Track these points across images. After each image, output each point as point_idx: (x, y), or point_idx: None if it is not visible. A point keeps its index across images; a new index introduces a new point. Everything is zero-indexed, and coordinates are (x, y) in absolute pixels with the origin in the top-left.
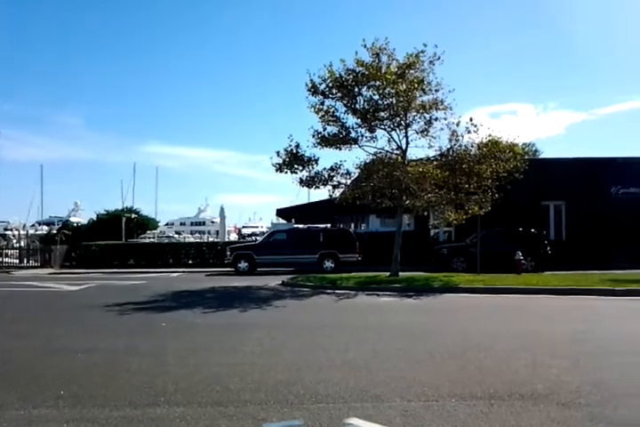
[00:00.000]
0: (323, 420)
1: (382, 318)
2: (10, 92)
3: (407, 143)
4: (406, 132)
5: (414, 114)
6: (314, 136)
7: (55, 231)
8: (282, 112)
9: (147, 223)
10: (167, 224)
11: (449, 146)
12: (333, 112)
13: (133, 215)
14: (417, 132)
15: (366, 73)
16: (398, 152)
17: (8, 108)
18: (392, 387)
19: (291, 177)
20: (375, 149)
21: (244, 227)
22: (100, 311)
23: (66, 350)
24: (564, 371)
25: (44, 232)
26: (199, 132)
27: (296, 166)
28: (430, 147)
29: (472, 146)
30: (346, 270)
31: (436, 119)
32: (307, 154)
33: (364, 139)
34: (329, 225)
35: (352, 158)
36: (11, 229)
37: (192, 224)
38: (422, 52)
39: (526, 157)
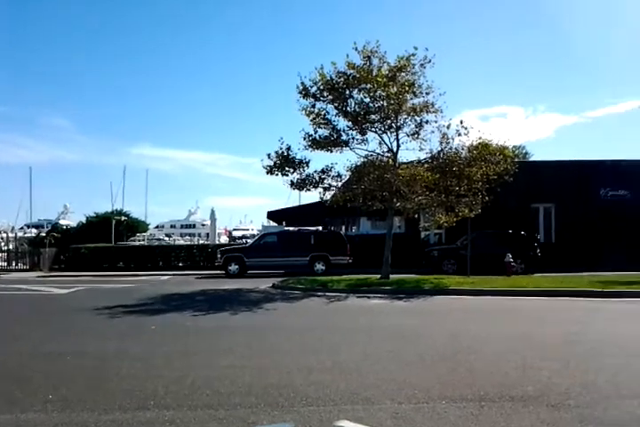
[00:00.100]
0: (313, 423)
1: (373, 321)
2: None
3: (398, 146)
4: (397, 135)
5: (405, 117)
6: (305, 139)
7: (44, 234)
8: (273, 114)
9: (137, 226)
10: (157, 227)
11: (439, 148)
12: (324, 115)
13: (123, 218)
14: (408, 135)
15: (357, 76)
16: (389, 155)
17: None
18: (382, 389)
19: (282, 179)
20: (366, 152)
21: (234, 229)
22: (89, 315)
23: (55, 353)
24: (553, 373)
25: (33, 235)
26: (190, 134)
27: (287, 169)
28: (421, 149)
29: (462, 149)
30: (337, 273)
31: (427, 122)
32: (298, 156)
33: (355, 141)
34: (320, 227)
35: (343, 161)
36: None
37: (182, 227)
38: (413, 55)
39: (516, 160)
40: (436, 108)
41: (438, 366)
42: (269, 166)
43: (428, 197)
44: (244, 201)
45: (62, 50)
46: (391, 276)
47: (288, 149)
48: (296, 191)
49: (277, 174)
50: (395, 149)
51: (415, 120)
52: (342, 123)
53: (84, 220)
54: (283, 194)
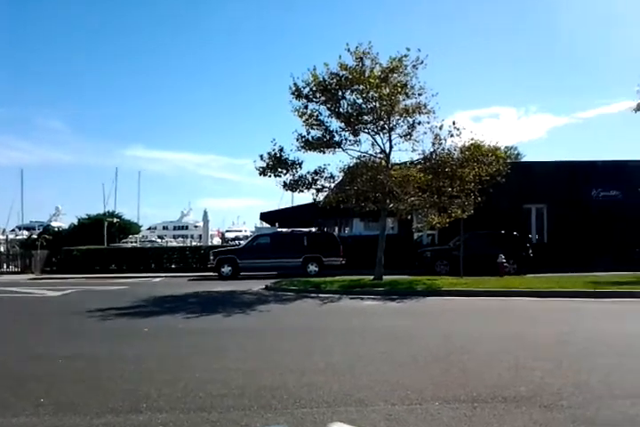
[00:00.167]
0: (306, 425)
1: (366, 322)
2: None
3: (391, 147)
4: (390, 136)
5: (398, 118)
6: (297, 140)
7: (36, 236)
8: (266, 116)
9: (129, 228)
10: (150, 228)
11: (432, 149)
12: (317, 116)
13: (115, 220)
14: (400, 136)
15: (350, 77)
16: (382, 156)
17: None
18: (376, 391)
19: (274, 181)
20: (359, 153)
21: (227, 231)
22: (81, 317)
23: (47, 356)
24: (546, 373)
25: (25, 237)
26: (182, 135)
27: (280, 170)
28: (414, 150)
29: (455, 149)
30: (330, 274)
31: (420, 123)
32: (290, 157)
33: (348, 142)
34: (314, 229)
35: (336, 162)
36: None
37: (175, 228)
38: (405, 56)
39: (508, 161)
40: (428, 109)
41: (431, 367)
42: (262, 168)
43: (420, 198)
44: (237, 202)
45: (58, 51)
46: (384, 277)
47: (281, 150)
48: (289, 192)
49: (270, 176)
50: (387, 150)
51: (408, 121)
52: (335, 124)
53: (75, 222)
54: (275, 195)
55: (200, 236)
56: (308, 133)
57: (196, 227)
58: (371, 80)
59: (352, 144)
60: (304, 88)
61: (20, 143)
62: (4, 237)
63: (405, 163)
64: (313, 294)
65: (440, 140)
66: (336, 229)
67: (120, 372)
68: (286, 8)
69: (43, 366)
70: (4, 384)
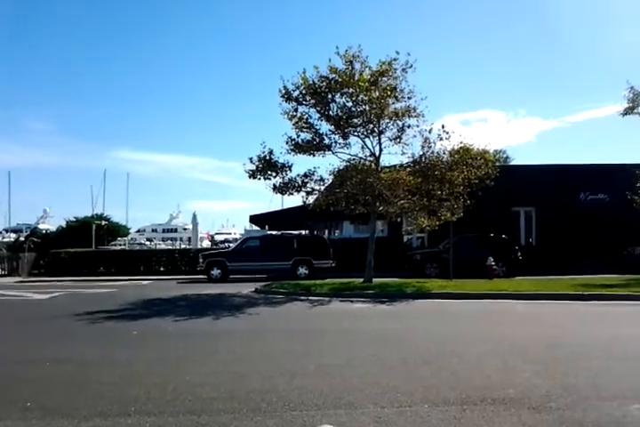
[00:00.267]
0: None
1: (356, 325)
2: None
3: (380, 150)
4: (379, 139)
5: (387, 121)
6: (287, 143)
7: (23, 239)
8: (256, 118)
9: (117, 230)
10: (138, 231)
11: (421, 153)
12: (307, 119)
13: (104, 222)
14: (390, 139)
15: (339, 80)
16: (371, 159)
17: None
18: (365, 393)
19: (264, 183)
20: (349, 156)
21: (216, 234)
22: (69, 320)
23: (34, 359)
24: (535, 375)
25: (12, 240)
26: (171, 138)
27: (269, 173)
28: (403, 154)
29: (444, 153)
30: (320, 277)
31: (409, 126)
32: (280, 160)
33: (338, 145)
34: (304, 231)
35: (326, 165)
36: None
37: (164, 231)
38: (395, 59)
39: (497, 164)
40: (417, 112)
41: (421, 369)
42: (252, 170)
43: (410, 201)
44: (227, 205)
45: (47, 53)
46: (374, 279)
47: (270, 152)
48: (279, 195)
49: (260, 178)
50: (377, 153)
51: (397, 124)
52: (325, 127)
53: (63, 224)
54: (265, 198)
55: (189, 238)
56: (298, 136)
57: (185, 229)
58: (360, 83)
59: (342, 147)
60: (294, 91)
61: (6, 145)
62: None
63: (395, 166)
64: (303, 297)
65: (429, 143)
66: (326, 231)
67: (109, 375)
68: (276, 11)
69: (30, 370)
70: None
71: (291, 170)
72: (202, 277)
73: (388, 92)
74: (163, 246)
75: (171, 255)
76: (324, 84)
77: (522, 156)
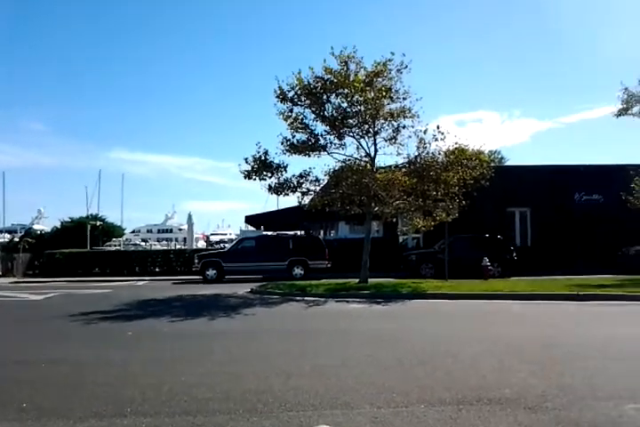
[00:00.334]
0: None
1: (351, 325)
2: None
3: (376, 150)
4: (375, 140)
5: (382, 122)
6: (282, 143)
7: (18, 239)
8: (251, 119)
9: (112, 231)
10: (133, 232)
11: (417, 153)
12: (302, 119)
13: (99, 223)
14: (385, 140)
15: (335, 81)
16: (367, 159)
17: None
18: (361, 394)
19: (259, 184)
20: (344, 157)
21: (212, 234)
22: (64, 321)
23: (29, 360)
24: (530, 375)
25: (7, 240)
26: (166, 138)
27: (265, 173)
28: (398, 154)
29: (439, 153)
30: (315, 277)
31: (404, 127)
32: (275, 161)
33: (333, 146)
34: (301, 232)
35: (321, 165)
36: None
37: (159, 231)
38: (390, 60)
39: (492, 165)
40: (412, 113)
41: (417, 369)
42: (247, 171)
43: (405, 202)
44: (222, 205)
45: (42, 53)
46: (370, 280)
47: (266, 153)
48: (274, 196)
49: (255, 179)
50: (372, 154)
51: (392, 125)
52: (320, 127)
53: (58, 225)
54: (260, 198)
55: (184, 239)
56: (293, 137)
57: (180, 230)
58: (355, 84)
59: (337, 148)
60: (289, 91)
61: (1, 145)
62: None
63: (390, 166)
64: (298, 298)
65: (424, 144)
66: (321, 232)
67: (104, 376)
68: (275, 11)
69: (25, 371)
70: None
71: (286, 170)
72: (197, 277)
73: (383, 93)
74: (158, 247)
75: (166, 256)
76: (320, 84)
77: (516, 156)
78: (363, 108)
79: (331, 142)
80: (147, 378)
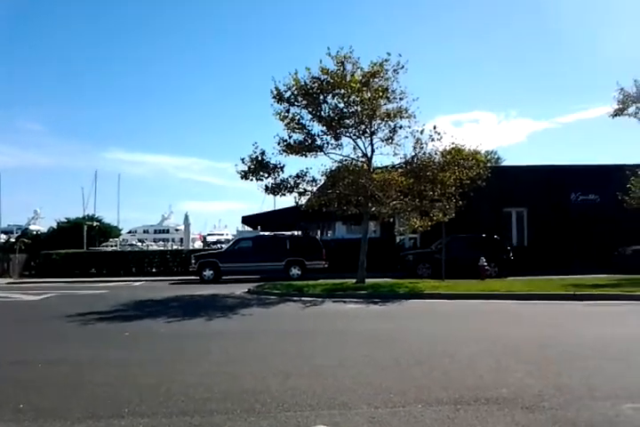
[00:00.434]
0: None
1: (349, 325)
2: None
3: (372, 151)
4: (371, 140)
5: (379, 122)
6: (279, 143)
7: (14, 240)
8: (248, 119)
9: (109, 231)
10: (130, 232)
11: (413, 153)
12: (299, 120)
13: (95, 223)
14: (382, 140)
15: (331, 81)
16: (364, 159)
17: None
18: (359, 394)
19: (256, 184)
20: (341, 157)
21: (209, 234)
22: (61, 321)
23: (26, 361)
24: (528, 375)
25: (3, 241)
26: (163, 138)
27: (261, 174)
28: (395, 154)
29: (436, 153)
30: (312, 277)
31: (401, 127)
32: (272, 161)
33: (330, 146)
34: (298, 232)
35: (318, 166)
36: None
37: (156, 232)
38: (386, 60)
39: (489, 165)
40: (409, 113)
41: (414, 369)
42: (244, 171)
43: (402, 202)
44: (219, 206)
45: (38, 53)
46: (367, 280)
47: (262, 153)
48: (271, 196)
49: (252, 179)
50: (369, 154)
51: (389, 125)
52: (317, 128)
53: (54, 225)
54: (257, 199)
55: (181, 239)
56: (290, 137)
57: (177, 230)
58: (352, 84)
59: (334, 148)
60: (285, 92)
61: None
62: None
63: (387, 167)
64: (296, 298)
65: (421, 144)
66: (318, 232)
67: (101, 376)
68: (274, 12)
69: (22, 372)
70: None
71: (283, 171)
72: (194, 278)
73: (380, 93)
74: (154, 247)
75: (163, 256)
76: (316, 85)
77: (513, 156)
78: (359, 109)
79: (327, 143)
80: (144, 378)
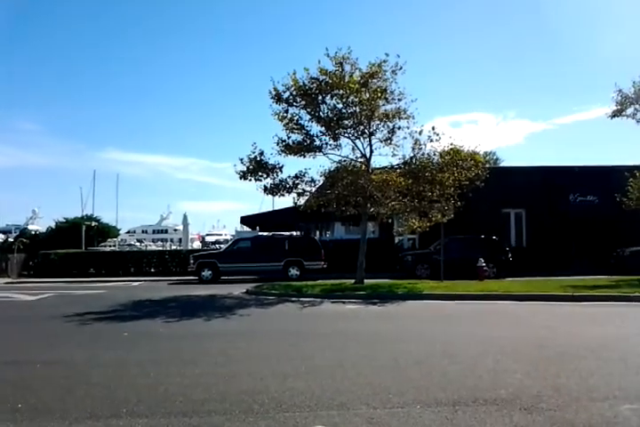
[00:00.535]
0: None
1: (347, 326)
2: None
3: (371, 151)
4: (370, 141)
5: (378, 122)
6: (278, 144)
7: (12, 239)
8: (247, 119)
9: (107, 231)
10: (129, 232)
11: (412, 154)
12: (297, 120)
13: (94, 223)
14: (380, 141)
15: (330, 81)
16: (362, 160)
17: None
18: (358, 394)
19: (255, 185)
20: (339, 157)
21: (207, 235)
22: (59, 321)
23: (24, 361)
24: (526, 376)
25: (1, 240)
26: (161, 139)
27: (260, 174)
28: (394, 155)
29: (434, 154)
30: (311, 278)
31: (399, 128)
32: (271, 161)
33: (329, 147)
34: (298, 232)
35: (316, 166)
36: None
37: (154, 232)
38: (385, 61)
39: (487, 166)
40: (408, 114)
41: (412, 370)
42: (242, 171)
43: (401, 203)
44: (217, 206)
45: (34, 53)
46: (365, 280)
47: (261, 154)
48: (270, 196)
49: (250, 180)
50: (368, 155)
51: (388, 126)
52: (315, 128)
53: (53, 225)
54: (256, 199)
55: (180, 239)
56: (289, 138)
57: (175, 230)
58: (350, 85)
59: (332, 148)
60: (284, 92)
61: None
62: None
63: (385, 167)
64: (294, 298)
65: (420, 145)
66: (317, 232)
67: (99, 377)
68: (269, 12)
69: (20, 372)
70: None
71: (281, 171)
72: (192, 278)
73: (379, 94)
74: (153, 247)
75: (161, 256)
76: (315, 85)
77: (511, 157)
78: (358, 109)
79: (326, 143)
80: (142, 379)
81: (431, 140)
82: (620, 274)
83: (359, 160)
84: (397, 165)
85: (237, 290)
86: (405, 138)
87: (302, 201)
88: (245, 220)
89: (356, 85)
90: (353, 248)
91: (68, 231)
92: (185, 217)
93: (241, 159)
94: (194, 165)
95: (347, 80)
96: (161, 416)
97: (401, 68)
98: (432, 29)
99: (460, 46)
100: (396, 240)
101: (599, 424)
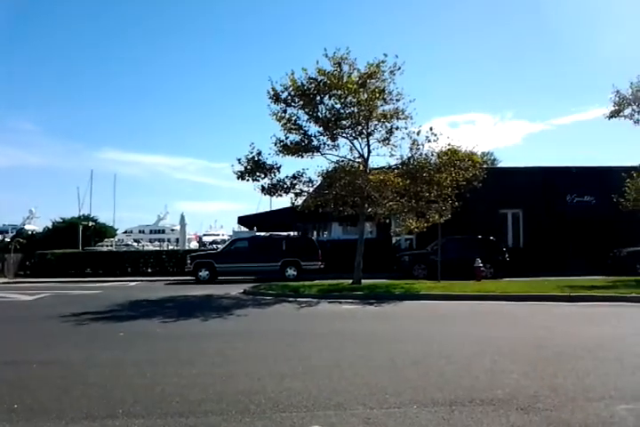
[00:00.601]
0: None
1: (344, 326)
2: None
3: (369, 152)
4: (368, 141)
5: (375, 123)
6: (276, 144)
7: (9, 239)
8: (244, 119)
9: (104, 231)
10: (126, 232)
11: (410, 155)
12: (295, 120)
13: (90, 223)
14: (378, 141)
15: (328, 82)
16: (360, 160)
17: None
18: (354, 395)
19: (253, 185)
20: (337, 158)
21: (204, 235)
22: (55, 321)
23: (20, 361)
24: (522, 376)
25: None
26: (158, 139)
27: (258, 174)
28: (391, 155)
29: (432, 155)
30: (308, 278)
31: (397, 128)
32: (268, 162)
33: (326, 147)
34: (296, 233)
35: (314, 166)
36: None
37: (151, 232)
38: (383, 62)
39: (485, 166)
40: (406, 114)
41: (410, 370)
42: (240, 172)
43: (398, 203)
44: (215, 206)
45: (32, 53)
46: (363, 281)
47: (259, 154)
48: (267, 196)
49: (248, 180)
50: (365, 155)
51: (385, 126)
52: (313, 128)
53: (50, 225)
54: (253, 199)
55: (177, 239)
56: (287, 138)
57: (172, 231)
58: (349, 85)
59: (330, 149)
60: (282, 92)
61: None
62: None
63: (383, 168)
64: (291, 299)
65: (417, 145)
66: (314, 233)
67: (96, 377)
68: (269, 12)
69: (16, 372)
70: None
71: (279, 171)
72: (190, 278)
73: (377, 95)
74: (150, 247)
75: (158, 256)
76: (313, 85)
77: (509, 158)
78: (356, 110)
79: (324, 143)
80: (139, 379)
81: (429, 141)
82: (617, 274)
83: (357, 160)
84: (395, 165)
85: (235, 290)
86: (403, 138)
87: (300, 201)
88: (243, 220)
89: (354, 86)
90: (350, 248)
91: (65, 231)
92: (182, 217)
93: (239, 159)
94: (191, 165)
95: (345, 80)
96: (157, 417)
97: (399, 69)
98: (431, 29)
99: (459, 46)
100: (394, 240)
101: (595, 424)
